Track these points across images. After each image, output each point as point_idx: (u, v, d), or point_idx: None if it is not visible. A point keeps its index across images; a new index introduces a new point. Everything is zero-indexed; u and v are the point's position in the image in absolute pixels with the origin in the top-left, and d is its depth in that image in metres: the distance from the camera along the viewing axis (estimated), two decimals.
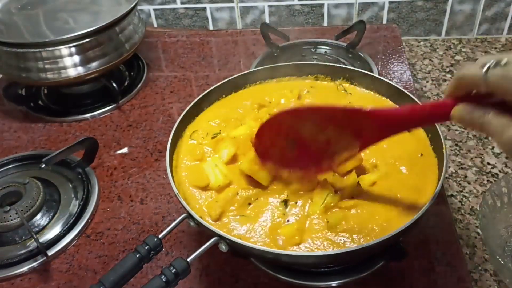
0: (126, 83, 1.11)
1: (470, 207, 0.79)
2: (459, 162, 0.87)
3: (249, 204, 0.62)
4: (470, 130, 0.47)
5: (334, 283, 0.65)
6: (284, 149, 0.61)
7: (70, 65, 0.96)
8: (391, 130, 0.55)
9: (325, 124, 0.57)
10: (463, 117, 0.48)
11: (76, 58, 0.96)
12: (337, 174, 0.63)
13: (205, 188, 0.65)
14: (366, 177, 0.64)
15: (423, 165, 0.65)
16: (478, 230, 0.75)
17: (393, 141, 0.69)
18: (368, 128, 0.55)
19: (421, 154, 0.66)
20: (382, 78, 0.77)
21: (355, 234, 0.57)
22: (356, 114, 0.56)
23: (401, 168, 0.65)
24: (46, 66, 0.95)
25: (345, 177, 0.63)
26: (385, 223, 0.58)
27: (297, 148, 0.60)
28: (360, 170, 0.64)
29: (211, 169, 0.66)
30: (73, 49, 0.95)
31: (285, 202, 0.62)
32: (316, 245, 0.57)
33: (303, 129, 0.58)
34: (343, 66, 0.82)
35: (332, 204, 0.60)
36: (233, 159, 0.68)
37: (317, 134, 0.58)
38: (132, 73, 1.13)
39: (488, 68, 0.43)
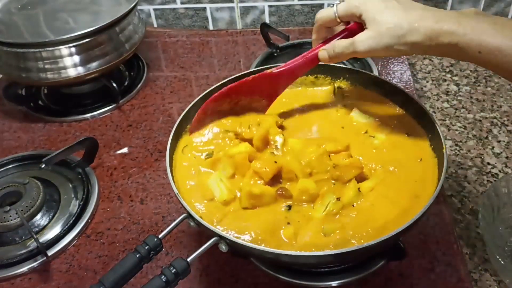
0: (126, 83, 1.11)
1: (470, 207, 0.79)
2: (459, 162, 0.87)
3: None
4: (337, 62, 0.69)
5: (334, 283, 0.65)
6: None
7: (70, 65, 0.96)
8: (283, 83, 0.73)
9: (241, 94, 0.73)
10: (324, 55, 0.67)
11: (76, 58, 0.96)
12: (338, 182, 0.63)
13: (211, 200, 0.64)
14: (365, 183, 0.64)
15: (423, 165, 0.65)
16: (478, 230, 0.75)
17: (393, 141, 0.70)
18: (267, 87, 0.73)
19: (421, 159, 0.66)
20: (382, 78, 0.77)
21: (353, 240, 0.57)
22: (256, 80, 0.71)
23: (401, 169, 0.65)
24: (46, 66, 0.95)
25: (346, 184, 0.63)
26: (384, 225, 0.58)
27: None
28: (360, 176, 0.64)
29: (216, 184, 0.65)
30: (73, 49, 0.95)
31: (289, 207, 0.62)
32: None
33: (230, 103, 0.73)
34: (343, 66, 0.82)
35: (334, 211, 0.60)
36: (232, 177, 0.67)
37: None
38: (132, 73, 1.13)
39: (337, 6, 0.63)
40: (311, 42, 0.71)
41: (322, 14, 0.65)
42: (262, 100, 0.74)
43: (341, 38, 0.65)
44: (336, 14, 0.63)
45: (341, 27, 0.68)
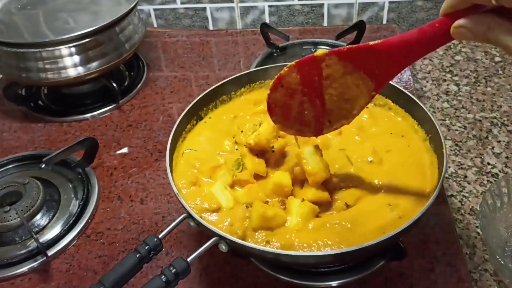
0: (126, 83, 1.11)
1: (470, 207, 0.79)
2: (459, 162, 0.87)
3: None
4: (476, 41, 0.45)
5: (334, 283, 0.65)
6: (300, 107, 0.59)
7: (70, 65, 0.96)
8: (393, 62, 0.52)
9: (337, 71, 0.55)
10: (465, 34, 0.44)
11: (76, 58, 0.96)
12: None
13: (216, 210, 0.63)
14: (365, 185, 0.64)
15: (423, 165, 0.65)
16: (478, 230, 0.75)
17: (393, 141, 0.70)
18: (379, 64, 0.53)
19: (421, 159, 0.66)
20: None
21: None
22: (362, 51, 0.53)
23: (401, 169, 0.65)
24: (46, 66, 0.95)
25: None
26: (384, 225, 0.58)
27: (312, 105, 0.58)
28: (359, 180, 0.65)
29: (221, 192, 0.64)
30: (73, 49, 0.95)
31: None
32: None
33: (316, 83, 0.56)
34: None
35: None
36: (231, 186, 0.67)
37: (331, 84, 0.56)
38: (132, 73, 1.13)
39: None
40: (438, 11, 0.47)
41: None
42: (370, 82, 0.55)
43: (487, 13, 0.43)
44: None
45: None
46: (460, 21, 0.44)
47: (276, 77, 0.58)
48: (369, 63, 0.53)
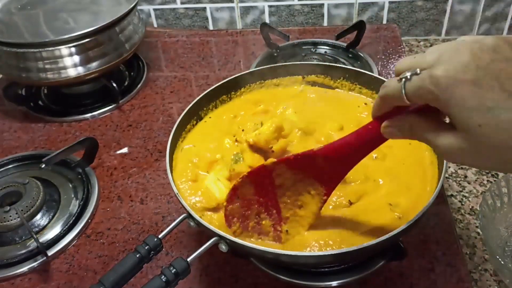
0: (126, 83, 1.11)
1: (470, 207, 0.79)
2: None
3: None
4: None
5: (334, 283, 0.65)
6: (257, 217, 0.60)
7: (70, 65, 0.96)
8: (344, 165, 0.54)
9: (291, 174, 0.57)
10: (393, 132, 0.47)
11: (76, 58, 0.96)
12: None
13: (216, 209, 0.63)
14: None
15: (423, 165, 0.65)
16: (478, 230, 0.75)
17: (393, 141, 0.70)
18: (326, 169, 0.55)
19: (421, 159, 0.66)
20: (382, 78, 0.77)
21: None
22: (308, 158, 0.55)
23: (401, 169, 0.65)
24: (46, 66, 0.95)
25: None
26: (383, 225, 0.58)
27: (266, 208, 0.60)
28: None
29: (214, 184, 0.64)
30: (73, 49, 0.95)
31: None
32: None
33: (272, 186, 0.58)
34: (343, 66, 0.82)
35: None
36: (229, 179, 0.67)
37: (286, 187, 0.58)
38: (132, 73, 1.13)
39: (405, 81, 0.41)
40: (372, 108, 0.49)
41: (387, 91, 0.45)
42: (320, 187, 0.57)
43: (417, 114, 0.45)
44: (405, 97, 0.42)
45: None
46: (386, 122, 0.47)
47: (231, 188, 0.59)
48: (316, 168, 0.55)
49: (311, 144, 0.70)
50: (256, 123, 0.71)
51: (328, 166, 0.54)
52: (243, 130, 0.72)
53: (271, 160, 0.58)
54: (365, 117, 0.74)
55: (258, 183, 0.58)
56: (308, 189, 0.57)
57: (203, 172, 0.68)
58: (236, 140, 0.71)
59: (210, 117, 0.78)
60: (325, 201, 0.57)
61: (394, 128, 0.47)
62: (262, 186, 0.58)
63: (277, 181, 0.58)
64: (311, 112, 0.76)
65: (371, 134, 0.50)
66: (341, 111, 0.77)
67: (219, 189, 0.64)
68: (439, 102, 0.39)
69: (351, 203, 0.61)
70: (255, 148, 0.67)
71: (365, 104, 0.77)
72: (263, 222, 0.60)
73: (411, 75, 0.41)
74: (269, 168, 0.57)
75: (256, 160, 0.66)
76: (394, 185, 0.63)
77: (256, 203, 0.60)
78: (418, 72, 0.40)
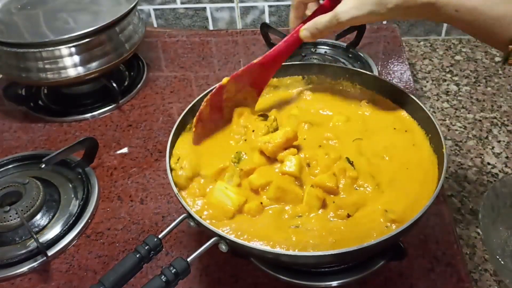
0: (126, 83, 1.11)
1: (470, 207, 0.79)
2: (459, 162, 0.87)
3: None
4: (323, 36, 0.69)
5: (334, 283, 0.65)
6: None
7: (70, 65, 0.96)
8: (270, 70, 0.75)
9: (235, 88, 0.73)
10: (306, 34, 0.68)
11: (76, 58, 0.96)
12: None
13: (233, 217, 0.61)
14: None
15: (423, 165, 0.65)
16: (478, 230, 0.75)
17: (393, 141, 0.70)
18: (259, 75, 0.74)
19: (420, 159, 0.66)
20: (382, 78, 0.77)
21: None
22: (250, 68, 0.73)
23: (401, 169, 0.65)
24: (46, 66, 0.95)
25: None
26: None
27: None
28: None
29: (223, 193, 0.62)
30: (73, 49, 0.95)
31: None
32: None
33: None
34: (343, 66, 0.82)
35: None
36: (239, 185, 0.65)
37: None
38: (132, 73, 1.13)
39: None
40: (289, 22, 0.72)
41: None
42: (254, 91, 0.75)
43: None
44: None
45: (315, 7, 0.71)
46: (303, 27, 0.68)
47: (196, 115, 0.71)
48: (253, 76, 0.73)
49: (321, 135, 0.70)
50: (268, 125, 0.70)
51: (261, 72, 0.74)
52: (253, 131, 0.70)
53: (225, 79, 0.71)
54: (368, 115, 0.74)
55: (213, 102, 0.71)
56: (245, 96, 0.75)
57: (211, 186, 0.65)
58: (245, 140, 0.70)
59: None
60: (256, 100, 0.77)
61: (306, 31, 0.67)
62: (215, 104, 0.72)
63: (224, 95, 0.72)
64: (315, 108, 0.77)
65: (293, 39, 0.70)
66: (345, 106, 0.77)
67: (229, 197, 0.62)
68: None
69: (348, 216, 0.60)
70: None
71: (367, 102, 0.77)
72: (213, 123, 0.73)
73: None
74: (223, 86, 0.71)
75: (261, 160, 0.66)
76: (392, 187, 0.63)
77: (209, 115, 0.72)
78: None
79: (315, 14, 0.68)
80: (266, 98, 0.80)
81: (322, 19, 0.65)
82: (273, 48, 0.72)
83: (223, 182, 0.64)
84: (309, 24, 0.67)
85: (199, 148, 0.71)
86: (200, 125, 0.71)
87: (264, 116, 0.74)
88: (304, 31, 0.68)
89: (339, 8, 0.62)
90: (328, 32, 0.66)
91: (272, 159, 0.66)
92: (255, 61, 0.72)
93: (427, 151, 0.67)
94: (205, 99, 0.71)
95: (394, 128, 0.72)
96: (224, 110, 0.74)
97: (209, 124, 0.72)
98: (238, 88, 0.73)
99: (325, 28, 0.65)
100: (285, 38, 0.71)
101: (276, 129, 0.70)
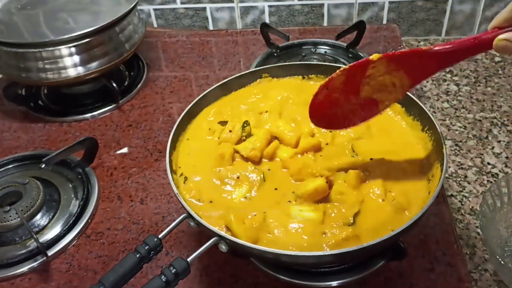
0: (126, 83, 1.11)
1: (470, 207, 0.79)
2: (459, 162, 0.87)
3: None
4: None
5: (334, 283, 0.65)
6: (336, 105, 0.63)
7: (70, 65, 0.96)
8: (438, 65, 0.58)
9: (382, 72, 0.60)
10: (505, 45, 0.49)
11: (76, 58, 0.96)
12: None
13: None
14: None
15: (423, 165, 0.65)
16: (478, 230, 0.75)
17: (393, 141, 0.70)
18: (422, 65, 0.59)
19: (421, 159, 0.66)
20: None
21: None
22: (408, 55, 0.59)
23: (401, 169, 0.65)
24: (46, 66, 0.95)
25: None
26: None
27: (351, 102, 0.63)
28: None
29: (299, 214, 0.62)
30: (73, 49, 0.95)
31: None
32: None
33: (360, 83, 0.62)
34: (343, 66, 0.82)
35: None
36: None
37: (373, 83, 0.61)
38: (132, 73, 1.13)
39: None
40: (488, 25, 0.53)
41: None
42: (407, 80, 0.60)
43: None
44: None
45: None
46: (504, 35, 0.49)
47: (327, 79, 0.62)
48: (414, 64, 0.58)
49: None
50: (239, 127, 0.72)
51: (426, 62, 0.58)
52: (230, 131, 0.72)
53: (376, 55, 0.59)
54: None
55: (352, 73, 0.61)
56: (393, 81, 0.60)
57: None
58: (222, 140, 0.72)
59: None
60: (406, 91, 0.61)
61: (506, 41, 0.49)
62: (354, 76, 0.61)
63: (368, 71, 0.60)
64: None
65: (482, 42, 0.52)
66: None
67: (306, 217, 0.61)
68: None
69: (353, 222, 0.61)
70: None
71: None
72: (341, 108, 0.63)
73: None
74: (370, 60, 0.59)
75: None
76: (392, 187, 0.63)
77: (340, 91, 0.62)
78: None
79: None
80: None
81: None
82: (453, 41, 0.56)
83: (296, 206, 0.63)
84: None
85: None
86: (323, 93, 0.62)
87: (223, 123, 0.75)
88: (503, 42, 0.49)
89: None
90: None
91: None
92: (424, 47, 0.57)
93: (428, 151, 0.67)
94: (342, 67, 0.61)
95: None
96: (362, 88, 0.61)
97: (335, 96, 0.62)
98: (388, 69, 0.60)
99: None
100: (475, 36, 0.54)
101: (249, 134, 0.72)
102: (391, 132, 0.72)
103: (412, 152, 0.68)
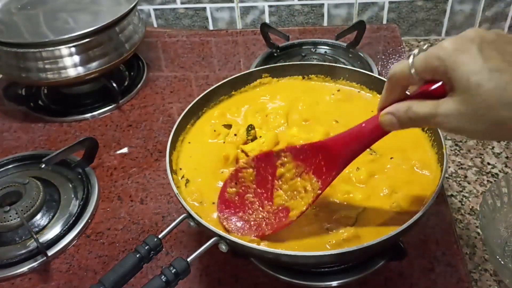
0: (126, 83, 1.11)
1: (470, 207, 0.79)
2: (459, 162, 0.87)
3: None
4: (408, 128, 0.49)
5: (334, 283, 0.65)
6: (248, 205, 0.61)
7: (70, 65, 0.96)
8: (346, 158, 0.55)
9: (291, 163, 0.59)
10: (389, 120, 0.48)
11: (76, 58, 0.96)
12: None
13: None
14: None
15: (423, 165, 0.65)
16: (478, 230, 0.75)
17: (393, 141, 0.70)
18: (326, 161, 0.56)
19: (420, 159, 0.66)
20: (382, 78, 0.77)
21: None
22: (314, 147, 0.57)
23: (400, 169, 0.65)
24: (46, 66, 0.95)
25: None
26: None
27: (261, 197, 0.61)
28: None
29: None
30: (73, 49, 0.95)
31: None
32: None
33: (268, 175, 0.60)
34: (343, 66, 0.82)
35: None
36: None
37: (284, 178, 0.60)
38: (132, 73, 1.13)
39: (413, 57, 0.45)
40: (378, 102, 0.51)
41: (395, 69, 0.47)
42: (316, 183, 0.57)
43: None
44: (413, 69, 0.44)
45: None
46: (386, 109, 0.48)
47: (234, 169, 0.61)
48: (318, 161, 0.56)
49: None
50: (244, 130, 0.72)
51: (329, 158, 0.55)
52: (235, 135, 0.72)
53: (279, 147, 0.59)
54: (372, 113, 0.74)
55: (261, 168, 0.60)
56: (305, 185, 0.58)
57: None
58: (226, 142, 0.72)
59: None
60: (317, 196, 0.57)
61: (392, 115, 0.47)
62: (264, 173, 0.60)
63: (278, 171, 0.60)
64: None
65: (372, 128, 0.51)
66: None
67: None
68: (444, 67, 0.41)
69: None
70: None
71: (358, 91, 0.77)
72: (251, 211, 0.60)
73: (418, 51, 0.45)
74: (277, 153, 0.59)
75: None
76: (395, 184, 0.63)
77: (253, 192, 0.61)
78: (425, 47, 0.45)
79: (412, 98, 0.47)
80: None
81: (419, 107, 0.45)
82: (346, 131, 0.54)
83: None
84: (398, 107, 0.47)
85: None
86: (231, 192, 0.61)
87: (227, 126, 0.75)
88: (387, 116, 0.48)
89: (442, 106, 0.43)
90: (420, 126, 0.51)
91: None
92: (321, 140, 0.56)
93: (427, 151, 0.67)
94: (247, 158, 0.59)
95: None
96: (274, 193, 0.59)
97: (247, 198, 0.60)
98: (297, 170, 0.58)
99: (417, 120, 0.45)
100: (362, 123, 0.52)
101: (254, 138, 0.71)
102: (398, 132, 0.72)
103: (419, 151, 0.68)
